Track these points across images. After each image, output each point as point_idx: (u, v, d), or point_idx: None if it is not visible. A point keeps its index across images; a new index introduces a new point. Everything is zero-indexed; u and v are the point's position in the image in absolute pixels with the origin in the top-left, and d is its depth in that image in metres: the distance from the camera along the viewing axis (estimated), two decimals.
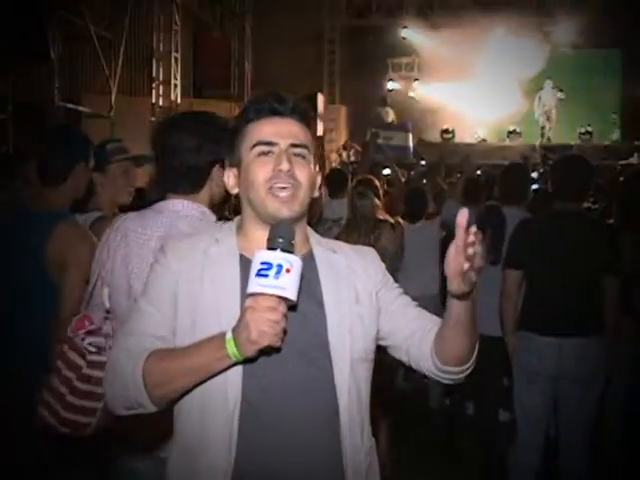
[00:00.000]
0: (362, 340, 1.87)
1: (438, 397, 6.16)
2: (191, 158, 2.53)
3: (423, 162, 13.57)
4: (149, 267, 2.23)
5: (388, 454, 4.47)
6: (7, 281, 3.04)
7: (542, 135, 17.82)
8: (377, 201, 5.00)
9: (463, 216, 1.59)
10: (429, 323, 1.94)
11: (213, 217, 2.57)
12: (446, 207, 5.45)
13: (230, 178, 1.92)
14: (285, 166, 1.79)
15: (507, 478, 4.19)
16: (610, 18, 16.78)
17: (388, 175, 8.81)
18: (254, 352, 1.64)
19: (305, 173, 1.84)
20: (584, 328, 3.85)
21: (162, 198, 2.59)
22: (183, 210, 2.52)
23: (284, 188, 1.80)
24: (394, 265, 5.02)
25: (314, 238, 1.96)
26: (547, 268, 3.95)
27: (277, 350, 1.68)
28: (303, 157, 1.85)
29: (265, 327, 1.60)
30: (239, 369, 1.74)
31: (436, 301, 6.04)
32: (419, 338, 1.92)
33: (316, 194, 1.92)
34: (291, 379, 1.78)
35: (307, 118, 1.92)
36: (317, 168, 1.93)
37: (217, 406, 1.76)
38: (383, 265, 2.03)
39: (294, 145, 1.84)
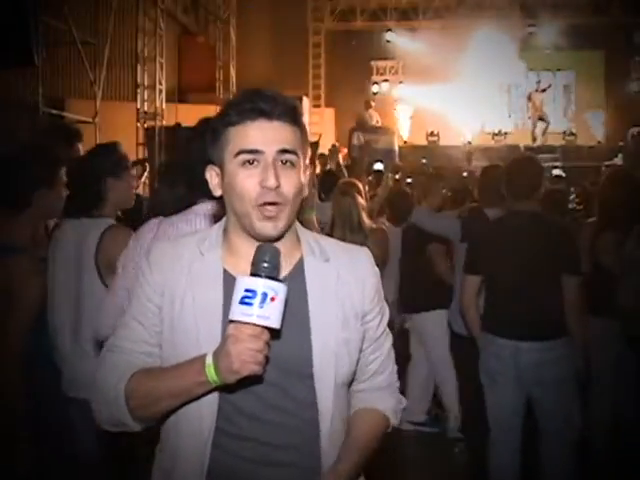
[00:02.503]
0: (347, 366, 1.80)
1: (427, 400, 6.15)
2: None
3: (424, 160, 13.66)
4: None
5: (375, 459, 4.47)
6: None
7: (534, 138, 17.80)
8: (360, 199, 4.93)
9: None
10: (378, 382, 1.94)
11: None
12: (415, 214, 5.34)
13: (213, 178, 1.79)
14: (272, 183, 1.66)
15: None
16: (593, 20, 16.90)
17: (380, 171, 8.76)
18: (235, 380, 1.60)
19: (293, 185, 1.71)
20: (541, 331, 3.83)
21: (194, 203, 2.65)
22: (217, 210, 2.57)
23: (271, 204, 1.68)
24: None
25: (307, 244, 1.83)
26: (502, 270, 3.95)
27: (258, 377, 1.64)
28: (292, 165, 1.71)
29: (247, 357, 1.55)
30: (216, 392, 1.71)
31: None
32: (362, 391, 1.93)
33: (306, 193, 1.82)
34: (270, 404, 1.72)
35: (298, 118, 1.76)
36: (307, 170, 1.81)
37: (191, 430, 1.73)
38: (377, 272, 1.92)
39: (282, 151, 1.69)
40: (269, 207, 1.68)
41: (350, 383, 1.88)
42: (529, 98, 18.12)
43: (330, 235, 4.78)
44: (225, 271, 1.77)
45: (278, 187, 1.67)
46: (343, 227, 4.77)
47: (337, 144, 14.43)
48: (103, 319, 2.67)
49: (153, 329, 1.78)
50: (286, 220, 1.72)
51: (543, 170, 4.30)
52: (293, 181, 1.71)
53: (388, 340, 1.96)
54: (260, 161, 1.69)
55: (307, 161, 1.81)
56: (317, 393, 1.75)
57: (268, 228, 1.69)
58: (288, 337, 1.68)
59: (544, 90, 18.07)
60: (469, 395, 5.00)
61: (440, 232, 5.29)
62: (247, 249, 1.69)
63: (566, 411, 3.93)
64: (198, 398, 1.70)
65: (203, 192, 2.55)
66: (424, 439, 5.67)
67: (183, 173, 2.79)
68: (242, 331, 1.55)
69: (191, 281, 1.76)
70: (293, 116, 1.74)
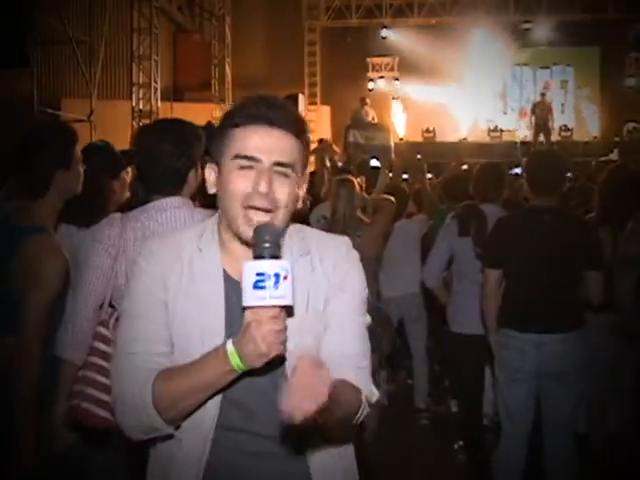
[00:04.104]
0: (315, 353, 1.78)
1: (423, 397, 6.16)
2: (173, 163, 2.70)
3: (419, 156, 13.66)
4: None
5: (374, 455, 4.48)
6: None
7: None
8: (357, 186, 4.96)
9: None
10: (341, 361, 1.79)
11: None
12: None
13: (211, 175, 1.81)
14: (264, 188, 1.68)
15: (493, 476, 4.20)
16: (587, 16, 16.89)
17: (376, 167, 8.77)
18: (262, 364, 1.61)
19: (286, 193, 1.72)
20: (562, 324, 3.86)
21: (147, 200, 2.74)
22: (178, 204, 2.72)
23: (260, 210, 1.69)
24: (373, 269, 4.89)
25: (287, 241, 1.82)
26: (524, 265, 3.97)
27: (256, 370, 1.65)
28: (286, 175, 1.73)
29: (272, 339, 1.57)
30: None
31: (418, 300, 6.07)
32: None
33: (299, 205, 1.82)
34: (263, 395, 1.75)
35: (301, 130, 1.77)
36: (304, 184, 1.83)
37: (192, 422, 1.75)
38: (353, 259, 1.91)
39: (278, 163, 1.71)
40: (257, 206, 1.70)
41: None
42: (533, 111, 17.56)
43: (331, 223, 4.82)
44: (224, 272, 1.79)
45: (269, 194, 1.69)
46: (343, 221, 4.78)
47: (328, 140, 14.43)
48: (77, 321, 2.70)
49: (161, 324, 1.77)
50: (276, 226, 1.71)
51: (567, 166, 4.28)
52: (286, 189, 1.73)
53: (356, 321, 1.88)
54: (256, 168, 1.71)
55: (306, 174, 1.83)
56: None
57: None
58: None
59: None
60: (468, 394, 5.00)
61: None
62: (240, 252, 1.72)
63: (575, 402, 3.96)
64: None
65: (155, 190, 2.74)
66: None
67: (139, 170, 2.92)
68: (262, 315, 1.56)
69: (193, 278, 1.77)
70: (297, 127, 1.76)
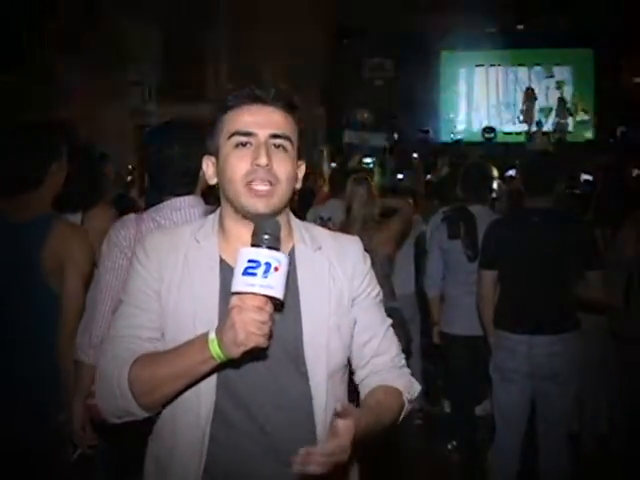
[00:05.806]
0: (340, 352, 1.81)
1: (417, 397, 6.14)
2: (184, 165, 2.71)
3: (415, 155, 13.68)
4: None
5: (366, 455, 4.48)
6: (6, 306, 2.85)
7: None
8: (373, 186, 4.96)
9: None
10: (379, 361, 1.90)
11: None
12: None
13: (209, 167, 1.83)
14: (263, 160, 1.69)
15: (487, 477, 4.22)
16: (582, 18, 16.91)
17: (370, 164, 8.76)
18: (239, 354, 1.58)
19: (285, 168, 1.73)
20: (555, 325, 3.88)
21: (160, 200, 2.75)
22: (193, 203, 2.73)
23: (262, 183, 1.70)
24: (386, 270, 4.83)
25: (298, 233, 1.86)
26: (517, 267, 3.98)
27: (263, 351, 1.63)
28: (284, 149, 1.74)
29: (252, 328, 1.53)
30: (213, 380, 1.71)
31: (412, 300, 6.07)
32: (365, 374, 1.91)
33: (298, 186, 1.84)
34: (266, 391, 1.73)
35: (291, 106, 1.79)
36: (302, 165, 1.85)
37: (189, 418, 1.73)
38: (368, 260, 1.94)
39: (274, 135, 1.73)
40: (260, 186, 1.71)
41: (347, 372, 1.89)
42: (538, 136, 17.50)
43: (346, 223, 4.82)
44: (221, 259, 1.78)
45: (269, 166, 1.70)
46: (360, 207, 4.77)
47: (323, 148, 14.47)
48: (97, 324, 2.71)
49: (153, 313, 1.77)
50: (278, 200, 1.74)
51: (559, 166, 4.30)
52: (285, 164, 1.74)
53: (385, 323, 1.94)
54: (253, 143, 1.73)
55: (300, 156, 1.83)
56: (310, 381, 1.76)
57: (260, 206, 1.71)
58: (280, 325, 1.67)
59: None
60: (459, 394, 5.02)
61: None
62: (244, 235, 1.68)
63: (568, 402, 3.99)
64: (197, 383, 1.70)
65: (167, 192, 2.74)
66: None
67: (150, 172, 2.94)
68: (246, 302, 1.54)
69: (188, 268, 1.77)
70: (288, 103, 1.79)
